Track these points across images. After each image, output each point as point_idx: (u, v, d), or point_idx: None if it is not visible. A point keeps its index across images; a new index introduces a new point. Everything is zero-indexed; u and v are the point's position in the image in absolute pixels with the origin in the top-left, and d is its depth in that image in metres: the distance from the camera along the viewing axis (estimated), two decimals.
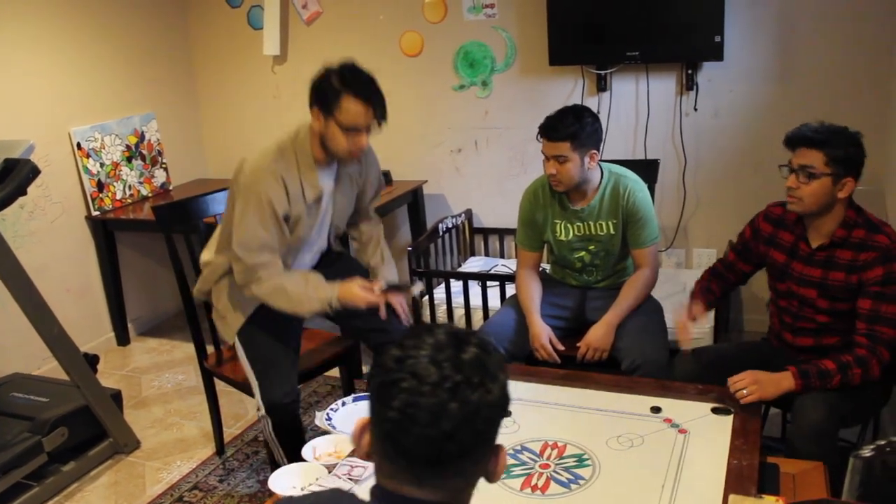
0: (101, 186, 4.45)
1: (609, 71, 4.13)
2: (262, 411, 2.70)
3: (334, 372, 3.38)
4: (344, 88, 2.47)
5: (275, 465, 2.75)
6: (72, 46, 4.32)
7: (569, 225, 2.97)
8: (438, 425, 1.04)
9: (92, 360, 3.38)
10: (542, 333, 2.89)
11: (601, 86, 4.18)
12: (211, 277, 2.81)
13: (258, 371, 2.72)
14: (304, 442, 2.80)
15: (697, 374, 2.51)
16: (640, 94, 4.12)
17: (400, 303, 2.80)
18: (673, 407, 2.30)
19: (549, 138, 2.80)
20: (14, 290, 3.02)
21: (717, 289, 2.80)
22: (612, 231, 2.94)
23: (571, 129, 2.76)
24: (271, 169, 2.54)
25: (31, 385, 3.57)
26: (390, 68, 4.58)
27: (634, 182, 2.94)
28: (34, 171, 2.95)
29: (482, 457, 1.12)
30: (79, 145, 4.34)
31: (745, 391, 2.25)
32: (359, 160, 2.76)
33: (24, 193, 2.94)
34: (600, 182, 2.93)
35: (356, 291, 2.64)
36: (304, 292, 2.61)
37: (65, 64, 4.29)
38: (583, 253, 3.01)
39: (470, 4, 4.35)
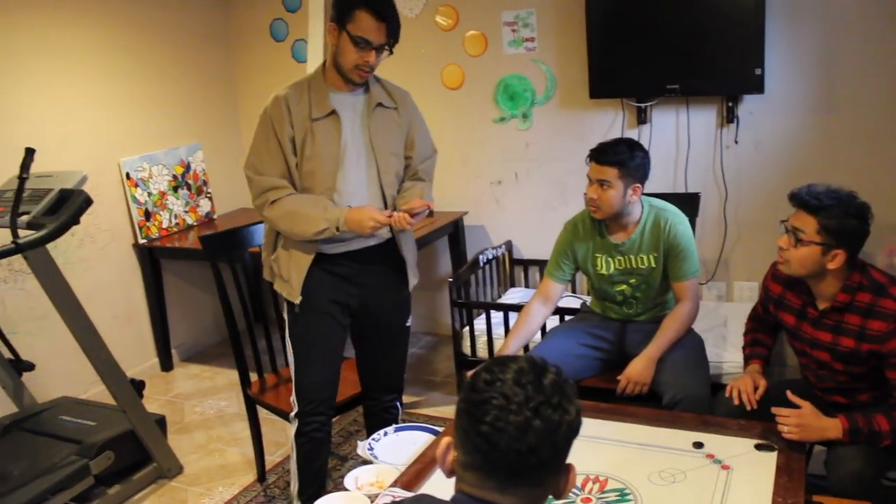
0: (148, 215, 4.56)
1: (649, 104, 4.15)
2: (294, 406, 2.76)
3: None
4: (361, 3, 2.46)
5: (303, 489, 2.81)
6: (122, 80, 4.46)
7: (609, 259, 2.99)
8: (524, 440, 1.19)
9: (138, 386, 3.44)
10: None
11: (641, 118, 4.19)
12: (268, 246, 2.77)
13: (299, 356, 2.74)
14: (324, 468, 2.87)
15: (740, 410, 2.49)
16: (681, 127, 4.13)
17: (405, 215, 2.57)
18: (715, 442, 2.29)
19: (598, 161, 2.86)
20: (66, 316, 3.10)
21: (765, 338, 2.75)
22: (652, 264, 2.95)
23: (621, 156, 2.83)
24: (279, 95, 2.59)
25: (79, 409, 3.65)
26: (432, 101, 4.65)
27: (675, 215, 2.96)
28: (87, 202, 3.04)
29: (558, 471, 1.27)
30: (128, 175, 4.46)
31: (786, 428, 2.22)
32: (367, 88, 2.64)
33: (78, 223, 3.03)
34: (641, 216, 2.96)
35: (366, 212, 2.53)
36: (312, 212, 2.53)
37: (116, 97, 4.42)
38: (623, 286, 3.02)
39: (510, 38, 4.41)
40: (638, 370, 2.83)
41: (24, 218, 2.98)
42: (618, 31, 4.03)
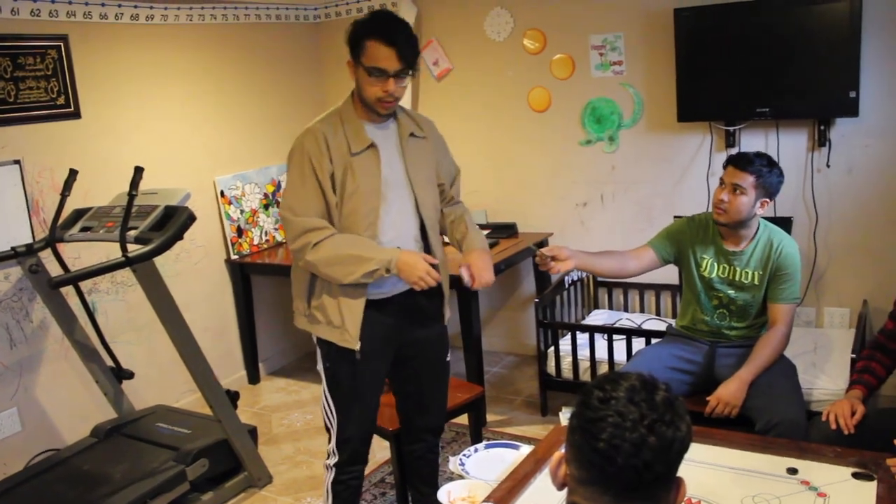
0: (240, 232, 4.72)
1: (738, 127, 4.13)
2: (331, 456, 2.68)
3: (459, 419, 3.44)
4: (368, 32, 2.40)
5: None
6: (218, 102, 4.64)
7: (716, 263, 3.04)
8: (640, 456, 1.22)
9: (233, 397, 3.56)
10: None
11: (729, 142, 4.17)
12: (300, 293, 2.63)
13: (344, 407, 2.62)
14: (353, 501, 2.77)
15: (836, 436, 2.45)
16: (770, 151, 4.08)
17: (470, 265, 2.57)
18: (810, 469, 2.26)
19: (737, 166, 2.91)
20: (168, 327, 3.23)
21: (879, 368, 2.70)
22: (756, 282, 2.98)
23: (762, 167, 2.90)
24: (312, 129, 2.50)
25: (174, 417, 3.79)
26: (518, 123, 4.72)
27: (788, 238, 3.01)
28: (191, 218, 3.18)
29: (670, 485, 1.30)
30: (222, 193, 4.63)
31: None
32: (395, 117, 2.58)
33: (182, 238, 3.16)
34: (756, 232, 3.01)
35: (418, 260, 2.41)
36: (362, 252, 2.41)
37: (212, 118, 4.61)
38: (722, 295, 3.05)
39: (598, 62, 4.44)
40: (730, 392, 2.81)
41: (132, 233, 3.13)
42: (706, 54, 4.03)
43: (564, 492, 1.36)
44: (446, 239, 2.80)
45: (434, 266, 2.46)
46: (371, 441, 2.75)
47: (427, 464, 2.89)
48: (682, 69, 4.09)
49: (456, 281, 2.67)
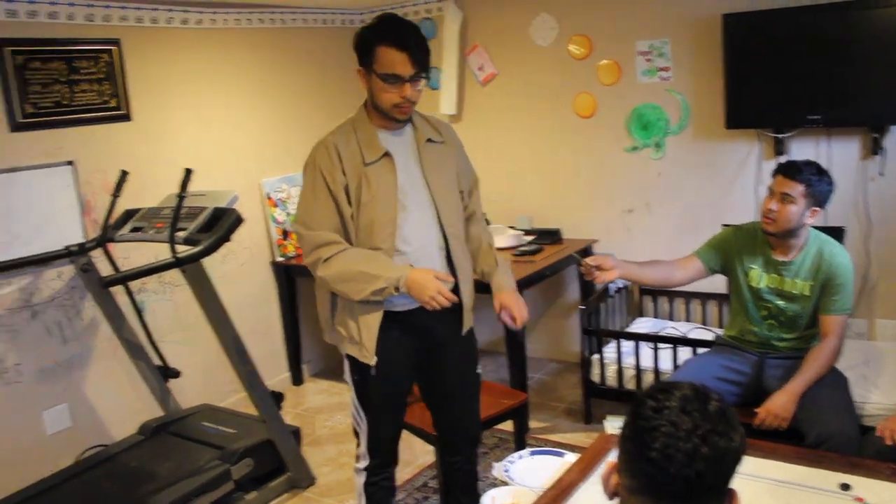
0: (285, 234, 4.76)
1: (787, 135, 4.06)
2: (361, 460, 2.67)
3: (502, 425, 3.43)
4: (378, 38, 2.34)
5: None
6: (265, 106, 4.70)
7: (764, 273, 2.99)
8: (692, 466, 1.22)
9: (278, 398, 3.58)
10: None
11: (778, 150, 4.10)
12: (324, 306, 2.61)
13: (372, 416, 2.61)
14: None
15: (892, 454, 2.40)
16: (821, 159, 3.98)
17: (510, 309, 2.57)
18: (865, 485, 2.21)
19: (787, 175, 2.87)
20: (216, 327, 3.27)
21: None
22: (806, 292, 2.93)
23: (812, 176, 2.85)
24: (324, 141, 2.46)
25: (219, 416, 3.83)
26: (563, 129, 4.71)
27: (839, 248, 2.96)
28: (239, 220, 3.21)
29: (723, 497, 1.29)
30: (268, 196, 4.67)
31: None
32: (411, 122, 2.53)
33: (230, 240, 3.20)
34: (806, 242, 2.96)
35: (430, 276, 2.33)
36: (371, 269, 2.35)
37: (259, 121, 4.66)
38: (770, 305, 3.00)
39: (644, 68, 4.41)
40: (779, 404, 2.77)
41: (181, 234, 3.17)
42: (756, 60, 3.97)
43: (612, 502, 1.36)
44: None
45: (454, 285, 2.40)
46: (399, 440, 2.75)
47: (465, 475, 2.86)
48: (731, 75, 4.04)
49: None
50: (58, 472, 3.49)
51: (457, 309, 2.54)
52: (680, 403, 1.26)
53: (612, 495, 1.36)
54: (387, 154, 2.43)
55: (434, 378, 2.68)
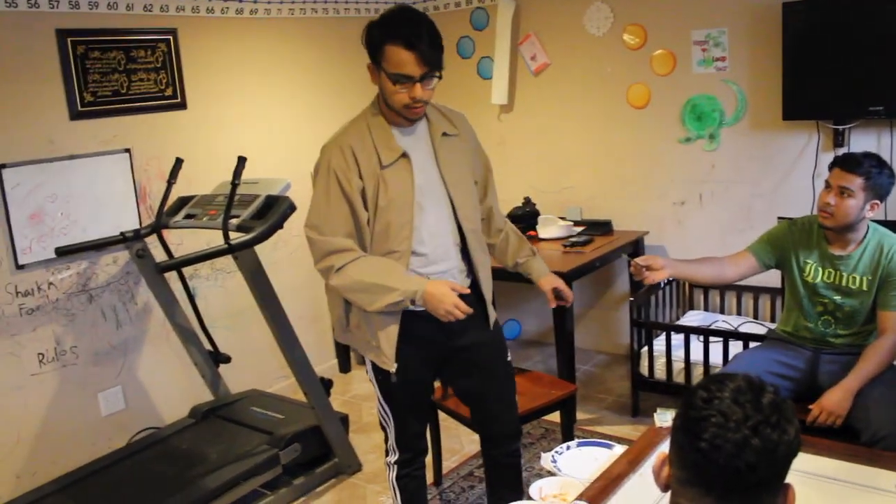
0: None
1: (847, 126, 3.96)
2: (391, 454, 2.67)
3: (549, 416, 3.41)
4: (385, 36, 2.25)
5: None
6: (318, 95, 4.74)
7: (820, 268, 2.93)
8: (742, 457, 1.19)
9: (327, 385, 3.62)
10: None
11: (838, 141, 4.01)
12: (336, 305, 2.57)
13: (397, 413, 2.60)
14: (420, 491, 2.75)
15: None
16: (882, 152, 3.90)
17: (560, 290, 2.64)
18: None
19: (845, 168, 2.80)
20: (267, 314, 3.31)
21: None
22: (864, 287, 2.86)
23: (871, 168, 2.78)
24: (338, 142, 2.38)
25: (268, 401, 3.89)
26: (616, 120, 4.66)
27: None
28: (291, 208, 3.24)
29: (776, 490, 1.27)
30: None
31: None
32: (425, 116, 2.45)
33: (282, 227, 3.23)
34: (865, 235, 2.88)
35: (446, 292, 2.25)
36: (386, 281, 2.27)
37: (312, 110, 4.70)
38: (826, 300, 2.93)
39: (700, 58, 4.34)
40: (834, 401, 2.70)
41: (235, 221, 3.21)
42: (816, 49, 3.88)
43: (657, 493, 1.34)
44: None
45: (464, 297, 2.33)
46: (426, 431, 2.76)
47: (508, 469, 2.79)
48: (790, 65, 3.95)
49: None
50: (111, 452, 3.58)
51: (477, 303, 2.51)
52: (732, 394, 1.24)
53: (664, 487, 1.34)
54: (404, 155, 2.37)
55: (464, 378, 2.63)
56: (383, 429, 2.68)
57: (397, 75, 2.25)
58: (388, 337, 2.41)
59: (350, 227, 2.34)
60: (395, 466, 2.68)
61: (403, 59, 2.22)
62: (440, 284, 2.28)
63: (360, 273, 2.30)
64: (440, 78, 2.32)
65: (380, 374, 2.53)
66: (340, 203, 2.33)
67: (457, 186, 2.46)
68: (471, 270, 2.53)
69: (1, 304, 3.40)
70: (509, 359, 2.70)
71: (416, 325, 2.42)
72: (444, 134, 2.47)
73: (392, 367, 2.43)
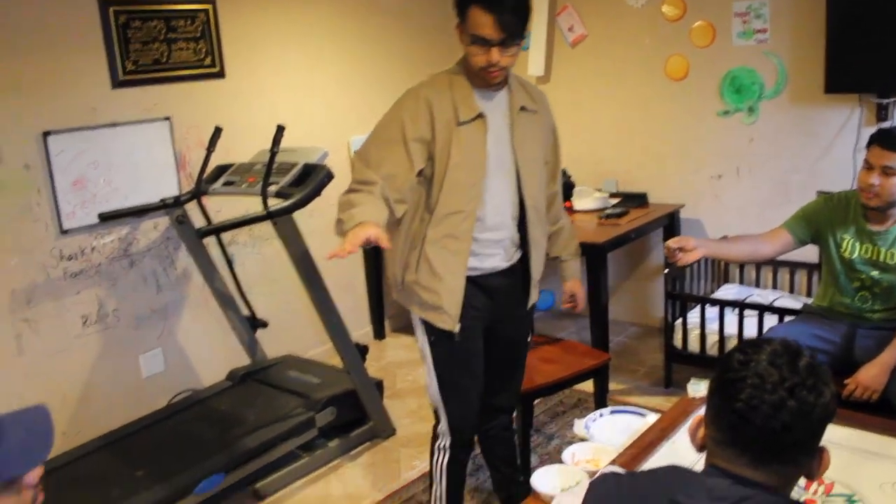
0: None
1: (892, 100, 3.90)
2: (443, 438, 2.63)
3: (582, 385, 3.43)
4: None
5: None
6: (354, 63, 4.75)
7: (857, 243, 2.90)
8: (778, 418, 1.22)
9: (362, 350, 3.67)
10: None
11: (881, 116, 3.95)
12: (395, 261, 2.50)
13: (453, 388, 2.56)
14: (464, 481, 2.73)
15: None
16: None
17: (580, 295, 2.80)
18: None
19: (886, 146, 2.74)
20: (305, 280, 3.36)
21: None
22: None
23: None
24: (418, 93, 2.39)
25: (304, 366, 3.96)
26: (653, 92, 4.63)
27: None
28: (329, 176, 3.27)
29: (812, 452, 1.29)
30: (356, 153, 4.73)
31: None
32: (508, 86, 2.45)
33: (319, 195, 3.26)
34: None
35: (358, 232, 2.11)
36: (352, 209, 2.21)
37: (347, 78, 4.72)
38: (863, 276, 2.91)
39: (740, 30, 4.28)
40: (871, 375, 2.70)
41: (273, 188, 3.24)
42: (861, 21, 3.81)
43: (690, 460, 1.36)
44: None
45: (508, 271, 2.50)
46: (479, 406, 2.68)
47: (502, 442, 2.82)
48: (833, 37, 3.89)
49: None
50: (152, 413, 3.67)
51: (526, 277, 2.57)
52: (769, 357, 1.26)
53: (700, 448, 1.37)
54: (480, 115, 2.37)
55: (489, 344, 2.62)
56: (435, 412, 2.64)
57: (475, 37, 2.28)
58: (454, 296, 2.42)
59: (395, 172, 2.32)
60: (448, 451, 2.63)
61: (482, 21, 2.24)
62: (365, 227, 2.13)
63: (351, 198, 2.27)
64: (520, 45, 2.33)
65: (433, 335, 2.50)
66: (396, 147, 2.33)
67: (526, 161, 2.46)
68: (522, 245, 2.54)
69: (46, 267, 3.49)
70: (530, 339, 2.78)
71: (476, 289, 2.47)
72: (524, 108, 2.47)
73: (455, 327, 2.44)
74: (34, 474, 1.43)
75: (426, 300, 2.45)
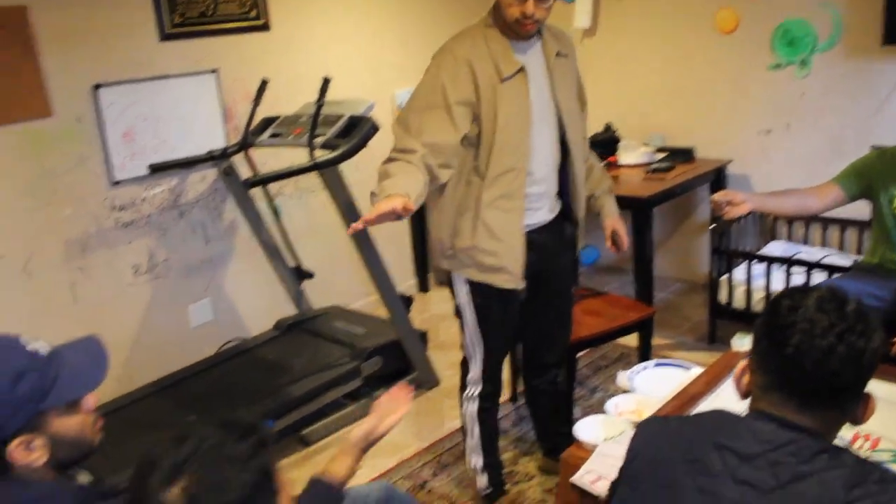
0: None
1: None
2: (471, 387, 2.69)
3: (625, 340, 3.44)
4: None
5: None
6: (402, 17, 4.74)
7: None
8: (828, 363, 1.22)
9: (407, 301, 3.71)
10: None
11: None
12: (441, 227, 2.50)
13: (493, 342, 2.61)
14: (497, 429, 2.81)
15: None
16: None
17: (622, 232, 2.72)
18: None
19: None
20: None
21: None
22: None
23: None
24: (455, 53, 2.35)
25: (349, 317, 4.01)
26: (702, 45, 4.54)
27: None
28: (374, 128, 3.28)
29: (858, 397, 1.30)
30: (400, 107, 4.72)
31: None
32: (539, 33, 2.43)
33: (365, 147, 3.28)
34: None
35: (379, 205, 2.08)
36: (382, 183, 2.19)
37: (392, 32, 4.71)
38: None
39: None
40: None
41: (319, 139, 3.27)
42: None
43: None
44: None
45: (553, 222, 2.51)
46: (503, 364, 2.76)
47: (549, 395, 2.85)
48: None
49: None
50: (201, 360, 3.75)
51: (576, 223, 2.60)
52: (817, 303, 1.27)
53: (744, 395, 1.38)
54: (522, 69, 2.35)
55: (536, 296, 2.64)
56: (465, 362, 2.70)
57: None
58: (516, 255, 2.45)
59: (438, 137, 2.30)
60: (478, 399, 2.70)
61: None
62: (390, 200, 2.08)
63: (388, 168, 2.25)
64: None
65: (479, 298, 2.53)
66: (439, 113, 2.30)
67: (567, 107, 2.48)
68: (563, 192, 2.55)
69: (99, 217, 3.57)
70: (573, 291, 2.78)
71: (528, 245, 2.49)
72: (559, 54, 2.46)
73: (520, 285, 2.48)
74: (92, 400, 1.49)
75: (487, 263, 2.45)
